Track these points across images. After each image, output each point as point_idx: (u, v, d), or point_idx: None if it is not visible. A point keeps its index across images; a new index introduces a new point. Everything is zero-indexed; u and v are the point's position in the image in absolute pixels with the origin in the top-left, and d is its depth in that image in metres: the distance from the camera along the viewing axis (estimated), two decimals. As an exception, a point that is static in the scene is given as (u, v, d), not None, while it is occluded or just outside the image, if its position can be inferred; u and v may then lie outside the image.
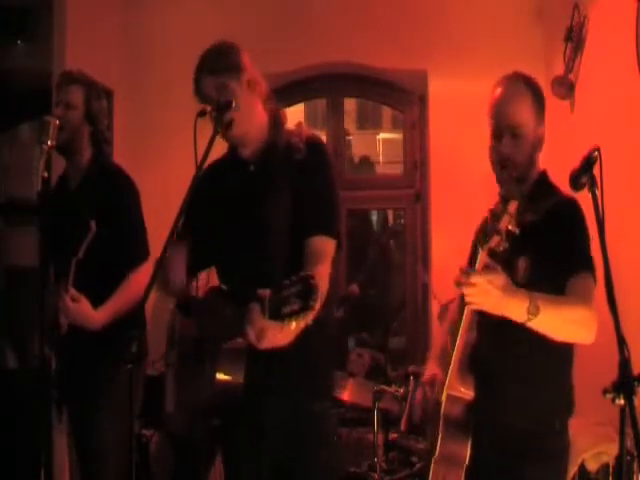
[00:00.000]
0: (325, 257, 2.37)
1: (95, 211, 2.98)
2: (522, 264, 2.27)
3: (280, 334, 2.10)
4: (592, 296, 2.20)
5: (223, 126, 2.36)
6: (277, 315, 2.00)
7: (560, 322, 2.11)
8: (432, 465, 2.33)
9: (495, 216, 2.06)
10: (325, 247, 2.39)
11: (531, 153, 2.36)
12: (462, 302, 2.17)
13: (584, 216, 2.24)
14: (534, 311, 2.03)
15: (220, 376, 2.30)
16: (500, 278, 2.02)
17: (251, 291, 2.13)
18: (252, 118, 2.46)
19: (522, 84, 2.38)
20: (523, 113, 2.34)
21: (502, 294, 2.01)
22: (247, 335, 2.14)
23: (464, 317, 2.30)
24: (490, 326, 2.26)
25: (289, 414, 2.38)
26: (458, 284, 2.01)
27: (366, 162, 7.25)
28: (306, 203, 2.39)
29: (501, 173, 2.36)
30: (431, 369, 2.51)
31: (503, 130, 2.34)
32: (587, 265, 2.23)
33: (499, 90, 2.38)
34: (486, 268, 2.04)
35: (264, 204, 2.41)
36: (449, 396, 2.30)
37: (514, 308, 2.04)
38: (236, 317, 2.25)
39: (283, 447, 2.38)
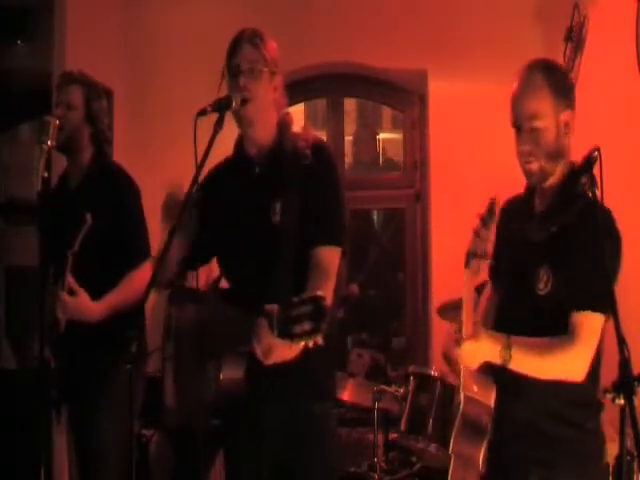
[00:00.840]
0: (331, 271, 2.37)
1: (95, 210, 2.98)
2: (543, 275, 2.25)
3: (288, 351, 2.12)
4: (585, 333, 2.16)
5: (239, 103, 2.33)
6: (287, 334, 1.99)
7: (537, 368, 2.21)
8: (452, 460, 2.32)
9: (476, 236, 2.22)
10: (331, 259, 2.38)
11: (555, 142, 2.29)
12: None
13: (609, 229, 2.18)
14: (507, 359, 2.17)
15: (224, 378, 2.30)
16: (475, 343, 2.20)
17: (255, 295, 2.13)
18: (264, 113, 2.44)
19: (538, 73, 2.32)
20: (539, 103, 2.28)
21: (480, 355, 2.22)
22: (254, 350, 2.15)
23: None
24: (510, 330, 2.25)
25: (289, 415, 2.38)
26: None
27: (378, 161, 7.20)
28: (313, 211, 2.38)
29: (526, 168, 2.31)
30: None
31: (521, 123, 2.30)
32: (593, 304, 2.16)
33: (516, 83, 2.34)
34: (473, 334, 2.22)
35: (269, 207, 2.40)
36: (466, 397, 2.29)
37: (489, 356, 2.21)
38: (240, 324, 2.25)
39: (284, 448, 2.38)
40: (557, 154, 2.31)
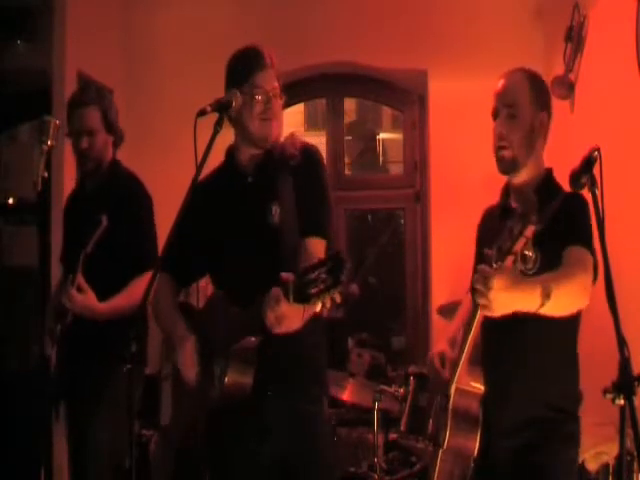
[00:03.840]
0: (312, 259, 2.35)
1: (109, 214, 3.00)
2: (532, 255, 2.29)
3: (298, 321, 2.11)
4: (588, 263, 2.20)
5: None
6: (303, 297, 1.97)
7: (565, 298, 2.10)
8: (439, 456, 2.34)
9: (511, 234, 2.04)
10: (318, 248, 2.40)
11: (528, 136, 2.40)
12: (475, 302, 2.18)
13: (588, 208, 2.23)
14: (547, 296, 2.02)
15: (231, 378, 2.30)
16: (507, 276, 1.99)
17: (252, 298, 2.15)
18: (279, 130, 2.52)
19: (521, 73, 2.48)
20: (518, 94, 2.42)
21: (514, 291, 2.00)
22: (265, 318, 2.12)
23: (477, 317, 2.28)
24: (496, 324, 2.26)
25: (287, 415, 2.39)
26: (474, 291, 2.01)
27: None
28: (300, 205, 2.43)
29: (498, 154, 2.41)
30: (440, 346, 2.52)
31: (500, 110, 2.42)
32: (584, 241, 2.24)
33: (500, 82, 2.48)
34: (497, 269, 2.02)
35: (266, 210, 2.43)
36: (458, 389, 2.31)
37: (528, 299, 2.03)
38: (244, 316, 2.26)
39: (282, 447, 2.38)
40: (529, 147, 2.41)
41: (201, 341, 2.44)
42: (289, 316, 2.10)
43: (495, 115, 2.44)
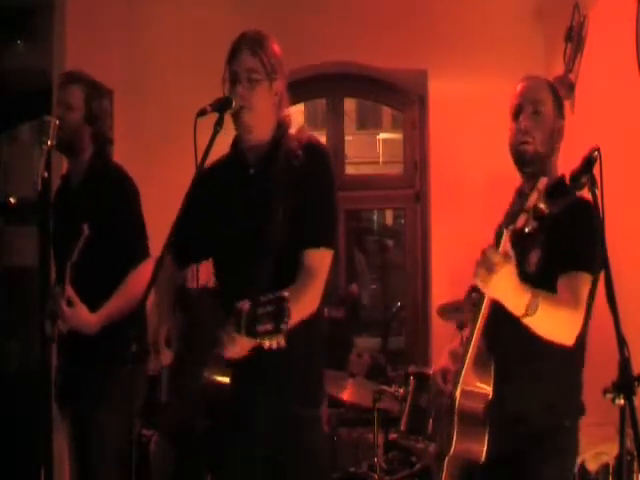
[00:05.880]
0: (318, 272, 2.34)
1: (93, 212, 2.98)
2: (534, 257, 2.30)
3: (243, 349, 2.13)
4: (583, 296, 2.21)
5: (233, 110, 2.35)
6: (252, 332, 2.02)
7: (550, 323, 2.15)
8: (445, 463, 2.31)
9: (522, 195, 2.05)
10: (319, 261, 2.35)
11: (550, 136, 2.41)
12: (478, 295, 2.20)
13: (596, 218, 2.17)
14: (533, 309, 2.08)
15: (208, 379, 2.30)
16: (513, 267, 2.05)
17: (240, 295, 2.13)
18: (262, 119, 2.43)
19: (541, 79, 2.53)
20: (543, 93, 2.44)
21: (512, 284, 2.05)
22: (221, 345, 2.16)
23: (482, 311, 2.26)
24: (502, 324, 2.25)
25: (277, 419, 2.35)
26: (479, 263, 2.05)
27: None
28: (302, 213, 2.35)
29: (520, 148, 2.39)
30: (441, 362, 2.51)
31: (524, 106, 2.41)
32: (584, 265, 2.23)
33: (521, 84, 2.49)
34: (505, 254, 2.06)
35: (258, 210, 2.39)
36: (464, 391, 2.28)
37: (515, 301, 2.09)
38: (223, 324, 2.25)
39: (272, 452, 2.35)
40: (550, 147, 2.42)
41: (186, 340, 2.44)
42: (243, 348, 2.13)
43: (517, 112, 2.42)
